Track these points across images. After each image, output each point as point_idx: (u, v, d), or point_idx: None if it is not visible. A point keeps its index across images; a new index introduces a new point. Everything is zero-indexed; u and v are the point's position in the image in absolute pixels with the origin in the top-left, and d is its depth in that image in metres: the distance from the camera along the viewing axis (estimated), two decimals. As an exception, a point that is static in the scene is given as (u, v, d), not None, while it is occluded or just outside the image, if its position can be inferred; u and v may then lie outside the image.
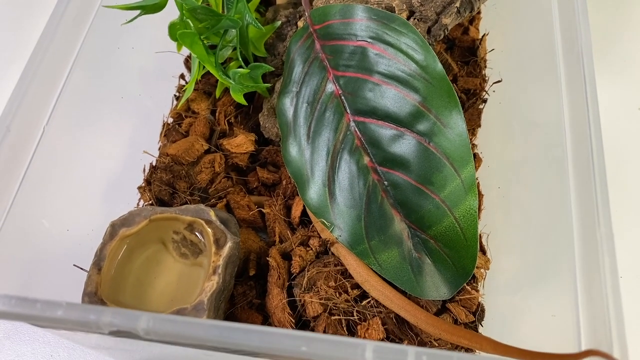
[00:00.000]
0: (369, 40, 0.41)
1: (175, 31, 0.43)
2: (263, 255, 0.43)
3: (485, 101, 0.49)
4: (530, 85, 0.45)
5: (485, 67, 0.51)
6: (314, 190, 0.41)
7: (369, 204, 0.40)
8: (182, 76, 0.52)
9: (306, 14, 0.44)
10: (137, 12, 0.42)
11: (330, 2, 0.44)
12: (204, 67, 0.46)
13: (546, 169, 0.41)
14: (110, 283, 0.37)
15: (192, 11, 0.42)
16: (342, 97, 0.42)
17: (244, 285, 0.41)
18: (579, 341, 0.29)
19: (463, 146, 0.38)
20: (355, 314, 0.38)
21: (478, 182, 0.45)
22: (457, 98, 0.38)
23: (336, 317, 0.38)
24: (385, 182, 0.40)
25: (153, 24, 0.45)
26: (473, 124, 0.48)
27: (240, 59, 0.46)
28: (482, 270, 0.42)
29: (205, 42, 0.43)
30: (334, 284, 0.39)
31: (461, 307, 0.40)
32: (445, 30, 0.44)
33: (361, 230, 0.40)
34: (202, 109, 0.49)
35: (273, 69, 0.46)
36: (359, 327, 0.38)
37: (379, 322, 0.38)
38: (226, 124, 0.48)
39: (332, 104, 0.42)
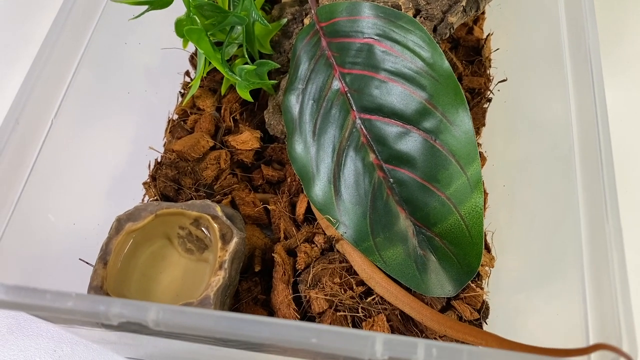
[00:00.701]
0: (375, 37, 0.41)
1: (182, 27, 0.43)
2: (268, 251, 0.43)
3: (490, 100, 0.49)
4: (536, 84, 0.45)
5: (490, 66, 0.51)
6: (320, 187, 0.41)
7: (374, 201, 0.40)
8: (187, 73, 0.53)
9: (312, 11, 0.44)
10: (145, 7, 0.42)
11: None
12: (209, 63, 0.46)
13: (552, 168, 0.41)
14: (116, 277, 0.37)
15: (199, 8, 0.42)
16: (348, 95, 0.42)
17: (249, 281, 0.41)
18: (587, 338, 0.29)
19: (469, 144, 0.38)
20: (360, 310, 0.38)
21: (483, 181, 0.45)
22: (464, 95, 0.38)
23: (341, 313, 0.38)
24: (391, 180, 0.40)
25: (159, 20, 0.45)
26: (478, 123, 0.49)
27: (246, 56, 0.46)
28: (486, 268, 0.42)
29: (211, 38, 0.44)
30: (339, 280, 0.39)
31: (466, 305, 0.40)
32: (451, 29, 0.44)
33: (366, 227, 0.40)
34: (208, 105, 0.49)
35: (279, 66, 0.46)
36: (364, 323, 0.38)
37: (384, 319, 0.38)
38: (231, 120, 0.48)
39: (338, 101, 0.42)
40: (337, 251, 0.41)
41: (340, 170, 0.41)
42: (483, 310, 0.40)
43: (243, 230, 0.40)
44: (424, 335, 0.38)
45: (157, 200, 0.45)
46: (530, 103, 0.46)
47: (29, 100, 0.31)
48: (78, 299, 0.24)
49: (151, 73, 0.49)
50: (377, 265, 0.39)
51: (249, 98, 0.45)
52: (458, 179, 0.39)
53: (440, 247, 0.39)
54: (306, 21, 0.46)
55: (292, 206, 0.45)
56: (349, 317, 0.38)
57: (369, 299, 0.39)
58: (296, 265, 0.41)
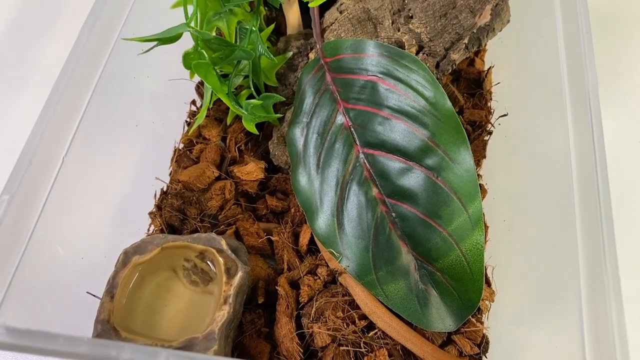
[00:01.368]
0: (379, 75, 0.42)
1: (189, 60, 0.44)
2: (271, 282, 0.43)
3: (490, 133, 0.50)
4: (536, 118, 0.46)
5: (491, 99, 0.52)
6: (323, 220, 0.42)
7: (376, 235, 0.41)
8: (193, 102, 0.53)
9: (318, 46, 0.45)
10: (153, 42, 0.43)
11: (341, 35, 0.45)
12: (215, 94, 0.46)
13: (551, 202, 0.42)
14: (122, 311, 0.38)
15: (207, 41, 0.43)
16: (352, 129, 0.43)
17: (252, 313, 0.42)
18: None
19: (471, 182, 0.39)
20: (362, 345, 0.38)
21: (484, 214, 0.46)
22: (466, 135, 0.39)
23: (344, 347, 0.38)
24: (393, 214, 0.41)
25: (165, 48, 0.46)
26: (478, 155, 0.49)
27: (252, 88, 0.47)
28: (486, 302, 0.42)
29: (218, 71, 0.44)
30: (342, 314, 0.39)
31: (466, 339, 0.40)
32: (453, 65, 0.45)
33: (369, 261, 0.40)
34: (213, 135, 0.50)
35: (284, 99, 0.47)
36: (365, 358, 0.38)
37: (386, 354, 0.38)
38: (236, 151, 0.49)
39: (342, 136, 0.43)
40: (340, 284, 0.41)
41: (344, 203, 0.42)
42: (483, 345, 0.41)
43: (247, 264, 0.40)
44: (424, 370, 0.39)
45: (162, 229, 0.45)
46: (531, 136, 0.47)
47: (42, 141, 0.32)
48: (90, 343, 0.25)
49: (158, 103, 0.50)
50: (379, 300, 0.40)
51: (255, 131, 0.46)
52: (460, 216, 0.39)
53: (442, 282, 0.40)
54: (311, 56, 0.47)
55: (295, 236, 0.46)
56: (351, 351, 0.38)
57: (371, 333, 0.39)
58: (299, 298, 0.41)
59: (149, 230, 0.46)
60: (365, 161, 0.42)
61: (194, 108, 0.53)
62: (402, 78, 0.41)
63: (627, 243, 0.42)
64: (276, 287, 0.41)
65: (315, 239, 0.43)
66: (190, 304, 0.40)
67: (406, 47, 0.44)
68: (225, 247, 0.39)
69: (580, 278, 0.35)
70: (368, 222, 0.41)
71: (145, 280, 0.40)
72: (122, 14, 0.40)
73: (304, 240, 0.44)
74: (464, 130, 0.39)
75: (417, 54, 0.44)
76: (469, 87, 0.53)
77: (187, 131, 0.51)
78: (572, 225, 0.37)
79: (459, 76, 0.54)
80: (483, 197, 0.48)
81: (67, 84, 0.34)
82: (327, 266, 0.42)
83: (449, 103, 0.40)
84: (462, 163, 0.39)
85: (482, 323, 0.41)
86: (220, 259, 0.39)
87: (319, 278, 0.42)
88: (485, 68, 0.54)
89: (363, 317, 0.40)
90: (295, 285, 0.43)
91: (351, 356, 0.38)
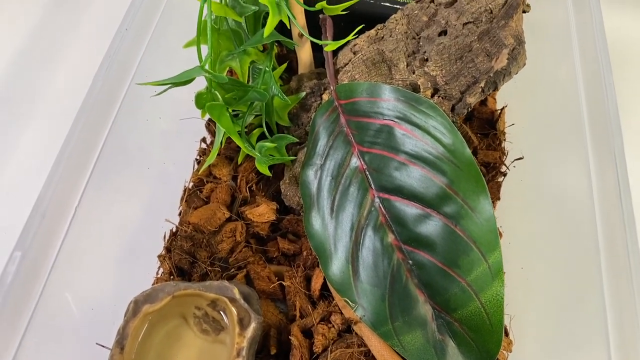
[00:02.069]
0: (396, 120, 0.41)
1: (202, 101, 0.43)
2: (283, 330, 0.42)
3: (505, 175, 0.49)
4: (554, 160, 0.46)
5: (505, 139, 0.51)
6: (337, 267, 0.41)
7: (393, 283, 0.40)
8: (203, 140, 0.53)
9: (331, 87, 0.45)
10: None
11: (356, 77, 0.45)
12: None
13: (573, 247, 0.41)
14: (132, 363, 0.37)
15: (220, 83, 0.43)
16: (367, 173, 0.42)
17: (264, 363, 0.40)
18: None
19: (491, 231, 0.38)
20: (379, 399, 0.37)
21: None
22: (485, 183, 0.39)
23: (360, 402, 0.37)
24: (410, 262, 0.40)
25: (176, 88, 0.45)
26: (493, 197, 0.49)
27: (264, 127, 0.46)
28: (504, 352, 0.41)
29: (230, 110, 0.44)
30: (357, 366, 0.38)
31: (485, 392, 0.39)
32: (469, 108, 0.45)
33: (385, 310, 0.39)
34: (224, 174, 0.49)
35: (297, 140, 0.46)
36: (383, 413, 0.37)
37: (403, 409, 0.37)
38: (247, 191, 0.48)
39: (357, 179, 0.42)
40: (355, 334, 0.40)
41: (359, 249, 0.41)
42: (502, 398, 0.40)
43: (260, 312, 0.39)
44: None
45: (171, 272, 0.44)
46: (548, 179, 0.46)
47: (54, 194, 0.31)
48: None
49: (168, 141, 0.49)
50: (395, 350, 0.39)
51: (268, 173, 0.45)
52: (479, 266, 0.38)
53: (460, 332, 0.39)
54: (325, 97, 0.46)
55: (308, 280, 0.45)
56: (367, 406, 0.37)
57: (388, 386, 0.38)
58: (313, 348, 0.40)
59: (157, 273, 0.45)
60: (381, 206, 0.41)
61: (204, 145, 0.53)
62: (419, 124, 0.41)
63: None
64: (289, 337, 0.40)
65: (329, 284, 0.42)
66: (200, 353, 0.39)
67: (421, 89, 0.43)
68: (238, 296, 0.38)
69: (609, 329, 0.34)
70: (384, 269, 0.40)
71: (155, 328, 0.39)
72: (137, 56, 0.39)
73: (316, 285, 0.43)
74: (484, 179, 0.39)
75: (432, 96, 0.44)
76: (482, 127, 0.53)
77: (197, 170, 0.50)
78: (597, 272, 0.36)
79: (471, 115, 0.54)
80: (498, 241, 0.47)
81: (79, 134, 0.34)
82: (341, 313, 0.41)
83: (468, 151, 0.39)
84: (482, 212, 0.39)
85: (501, 375, 0.40)
86: (233, 309, 0.38)
87: (333, 326, 0.41)
88: (498, 107, 0.54)
89: (379, 369, 0.39)
90: (308, 333, 0.41)
91: (368, 412, 0.37)
